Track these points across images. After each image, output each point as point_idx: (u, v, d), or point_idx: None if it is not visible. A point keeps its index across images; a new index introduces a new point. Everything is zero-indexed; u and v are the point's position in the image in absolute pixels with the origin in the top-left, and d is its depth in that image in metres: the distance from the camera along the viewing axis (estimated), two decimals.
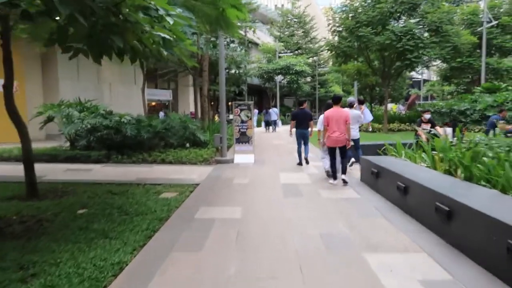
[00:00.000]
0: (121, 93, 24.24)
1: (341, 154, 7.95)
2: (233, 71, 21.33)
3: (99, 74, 22.94)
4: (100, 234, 4.68)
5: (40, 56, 19.50)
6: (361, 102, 11.53)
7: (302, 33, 46.58)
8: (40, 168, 9.61)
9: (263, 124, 26.96)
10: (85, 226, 5.00)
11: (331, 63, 53.50)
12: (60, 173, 9.18)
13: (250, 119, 11.28)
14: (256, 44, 40.81)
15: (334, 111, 7.82)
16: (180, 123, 13.01)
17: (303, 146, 10.43)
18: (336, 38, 22.56)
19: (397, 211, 5.74)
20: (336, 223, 5.19)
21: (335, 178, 7.97)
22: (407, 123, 23.19)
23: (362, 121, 10.77)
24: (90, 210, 5.84)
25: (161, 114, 28.47)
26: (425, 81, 73.44)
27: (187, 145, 13.06)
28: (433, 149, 7.31)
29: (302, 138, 10.30)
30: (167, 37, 4.37)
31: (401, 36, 18.97)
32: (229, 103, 10.97)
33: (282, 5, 56.03)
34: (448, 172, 5.99)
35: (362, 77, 28.05)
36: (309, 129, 10.25)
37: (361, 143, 11.54)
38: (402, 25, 19.78)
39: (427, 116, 11.09)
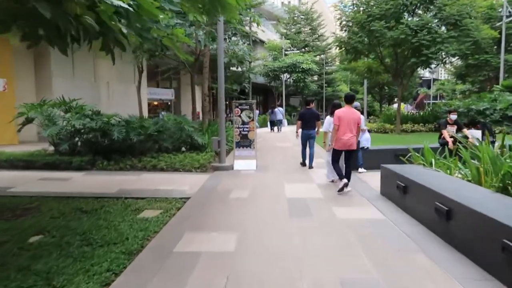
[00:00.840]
0: (120, 92, 23.09)
1: (346, 160, 7.30)
2: (235, 68, 20.07)
3: (96, 72, 21.80)
4: (41, 280, 3.45)
5: (33, 51, 18.40)
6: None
7: (309, 30, 45.23)
8: (11, 177, 8.48)
9: (268, 124, 26.12)
10: (26, 265, 3.77)
11: (338, 62, 52.15)
12: (32, 183, 7.98)
13: (252, 120, 10.02)
14: (262, 42, 39.55)
15: (346, 111, 7.08)
16: (175, 124, 11.79)
17: (308, 149, 10.00)
18: (346, 34, 21.21)
19: (437, 241, 4.44)
20: (359, 260, 3.91)
21: (342, 178, 7.12)
22: (420, 124, 21.79)
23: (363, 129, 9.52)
24: (45, 237, 4.61)
25: (162, 114, 27.38)
26: (434, 80, 71.70)
27: (183, 149, 11.84)
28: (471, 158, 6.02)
29: (308, 140, 9.87)
30: (123, 5, 3.10)
31: (417, 30, 17.58)
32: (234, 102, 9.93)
33: (289, 2, 54.67)
34: (502, 190, 4.68)
35: (373, 75, 26.62)
36: (316, 129, 9.85)
37: (377, 147, 10.25)
38: (418, 19, 18.38)
39: (453, 116, 9.79)
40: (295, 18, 45.00)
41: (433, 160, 6.73)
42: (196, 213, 5.79)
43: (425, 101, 75.94)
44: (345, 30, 21.33)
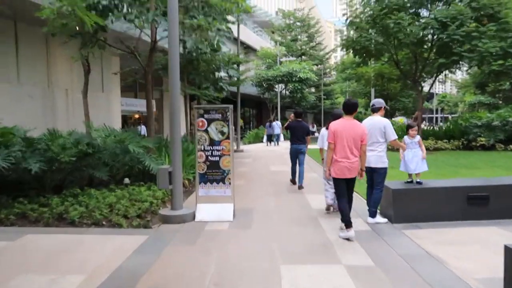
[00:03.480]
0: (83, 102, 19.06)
1: (348, 192, 5.16)
2: (222, 73, 16.22)
3: (50, 76, 17.76)
4: None
5: None
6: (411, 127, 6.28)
7: (306, 38, 41.78)
8: None
9: (264, 138, 24.64)
10: None
11: (335, 74, 48.54)
12: None
13: (228, 138, 6.06)
14: (254, 50, 35.91)
15: (344, 124, 5.13)
16: (116, 143, 7.83)
17: (297, 166, 8.68)
18: (354, 32, 17.50)
19: None
20: None
21: (348, 226, 4.97)
22: (444, 140, 17.94)
23: (392, 139, 5.64)
24: None
25: (142, 128, 23.89)
26: (434, 94, 68.52)
27: (126, 180, 7.88)
28: None
29: (298, 155, 8.58)
30: None
31: (447, 23, 13.88)
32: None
33: (283, 12, 51.37)
34: None
35: (384, 83, 22.78)
36: (306, 146, 8.64)
37: (429, 182, 6.27)
38: (445, 8, 14.71)
39: None
40: (291, 24, 41.53)
41: None
42: None
43: (422, 115, 72.98)
44: (353, 29, 17.63)
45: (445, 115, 71.21)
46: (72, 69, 18.16)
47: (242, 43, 31.41)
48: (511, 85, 25.08)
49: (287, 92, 35.06)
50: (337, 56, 57.28)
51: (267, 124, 24.68)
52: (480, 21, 14.57)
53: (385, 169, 5.65)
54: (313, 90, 43.41)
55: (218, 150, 6.01)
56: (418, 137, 5.99)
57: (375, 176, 5.67)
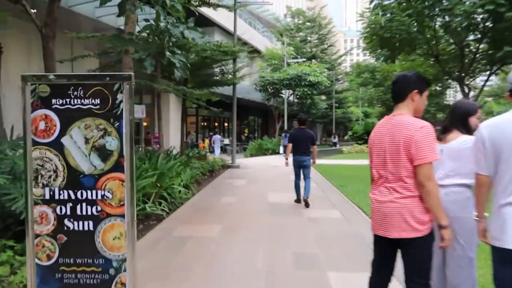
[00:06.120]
0: None
1: (404, 259, 2.29)
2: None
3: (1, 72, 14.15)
4: None
5: None
6: None
7: (317, 40, 38.02)
8: None
9: (281, 149, 23.77)
10: None
11: (346, 83, 44.54)
12: None
13: (117, 165, 2.14)
14: (259, 52, 32.23)
15: (381, 128, 2.39)
16: None
17: (302, 181, 7.56)
18: (381, 16, 13.67)
19: None
20: None
21: None
22: None
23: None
24: None
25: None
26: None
27: None
28: None
29: (301, 168, 7.52)
30: None
31: None
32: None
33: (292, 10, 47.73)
34: None
35: None
36: (312, 156, 7.55)
37: None
38: None
39: None
40: (300, 25, 37.82)
41: None
42: None
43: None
44: (379, 13, 13.80)
45: None
46: (29, 60, 14.53)
47: (247, 44, 27.78)
48: None
49: (294, 100, 31.21)
50: (347, 67, 53.30)
51: (283, 134, 24.33)
52: None
53: None
54: (323, 97, 39.62)
55: (91, 202, 2.10)
56: None
57: None
